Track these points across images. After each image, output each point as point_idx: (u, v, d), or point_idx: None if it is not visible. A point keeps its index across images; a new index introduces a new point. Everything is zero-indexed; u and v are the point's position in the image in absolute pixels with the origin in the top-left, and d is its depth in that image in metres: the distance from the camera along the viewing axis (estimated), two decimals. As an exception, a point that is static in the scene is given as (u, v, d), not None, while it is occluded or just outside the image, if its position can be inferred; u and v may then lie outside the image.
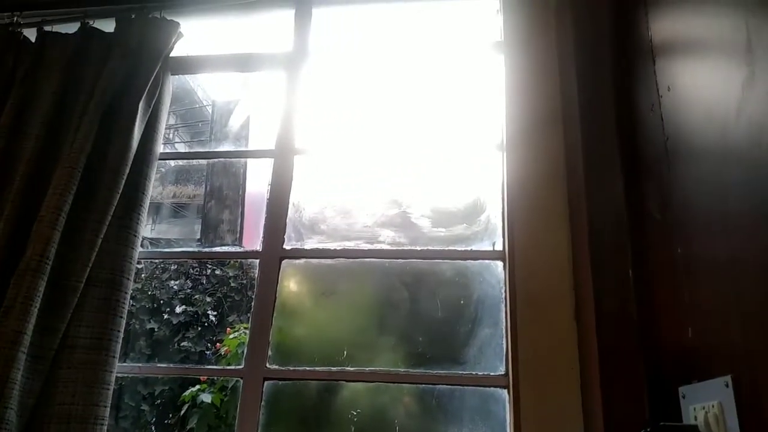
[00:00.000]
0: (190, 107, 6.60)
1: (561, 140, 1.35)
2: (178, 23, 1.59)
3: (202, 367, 4.07)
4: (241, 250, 4.65)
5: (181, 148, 6.86)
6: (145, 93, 1.46)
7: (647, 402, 0.89)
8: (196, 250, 4.50)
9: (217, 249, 4.66)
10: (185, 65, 1.70)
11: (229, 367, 2.99)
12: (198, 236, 5.69)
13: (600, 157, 1.14)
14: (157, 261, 4.52)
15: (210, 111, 6.24)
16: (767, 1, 0.61)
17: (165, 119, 1.56)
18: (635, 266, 0.96)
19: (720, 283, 0.70)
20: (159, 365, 3.70)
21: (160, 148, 1.53)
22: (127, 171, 1.38)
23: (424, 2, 1.70)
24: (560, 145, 1.34)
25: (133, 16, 1.59)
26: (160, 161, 1.54)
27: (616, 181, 1.04)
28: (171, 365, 3.86)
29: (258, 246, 1.48)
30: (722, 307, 0.70)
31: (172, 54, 1.59)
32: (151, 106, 1.49)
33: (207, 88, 6.27)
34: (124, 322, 1.32)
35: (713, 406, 0.68)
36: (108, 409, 1.25)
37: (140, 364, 3.21)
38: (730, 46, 0.68)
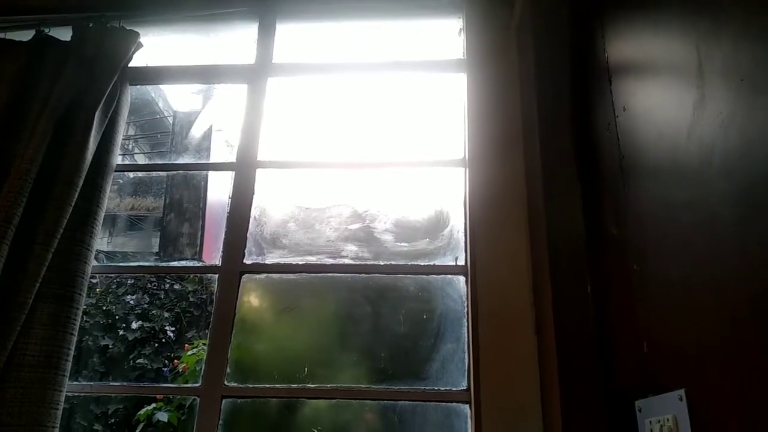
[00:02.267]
0: (151, 118, 6.47)
1: (521, 158, 1.37)
2: (138, 33, 1.56)
3: (157, 385, 3.94)
4: (200, 264, 4.56)
5: (141, 159, 6.71)
6: (102, 103, 1.42)
7: (606, 415, 0.90)
8: (152, 264, 4.39)
9: (175, 263, 4.54)
10: (145, 75, 1.67)
11: (185, 385, 2.90)
12: (156, 249, 5.55)
13: (559, 174, 1.17)
14: (112, 275, 4.39)
15: (171, 122, 6.12)
16: (717, 27, 0.63)
17: (122, 130, 1.52)
18: (594, 282, 0.98)
19: (673, 299, 0.72)
20: (113, 383, 3.57)
21: (117, 159, 1.49)
22: (81, 183, 1.34)
23: (389, 20, 1.72)
24: (520, 162, 1.37)
25: (90, 25, 1.55)
26: (118, 173, 1.50)
27: (574, 198, 1.07)
28: (125, 383, 3.74)
29: (218, 260, 1.45)
30: (676, 323, 0.71)
31: (132, 64, 1.56)
32: (108, 117, 1.45)
33: (168, 98, 6.16)
34: (75, 339, 1.28)
35: (668, 420, 0.70)
36: (57, 429, 1.20)
37: (93, 383, 3.09)
38: (682, 70, 0.71)
